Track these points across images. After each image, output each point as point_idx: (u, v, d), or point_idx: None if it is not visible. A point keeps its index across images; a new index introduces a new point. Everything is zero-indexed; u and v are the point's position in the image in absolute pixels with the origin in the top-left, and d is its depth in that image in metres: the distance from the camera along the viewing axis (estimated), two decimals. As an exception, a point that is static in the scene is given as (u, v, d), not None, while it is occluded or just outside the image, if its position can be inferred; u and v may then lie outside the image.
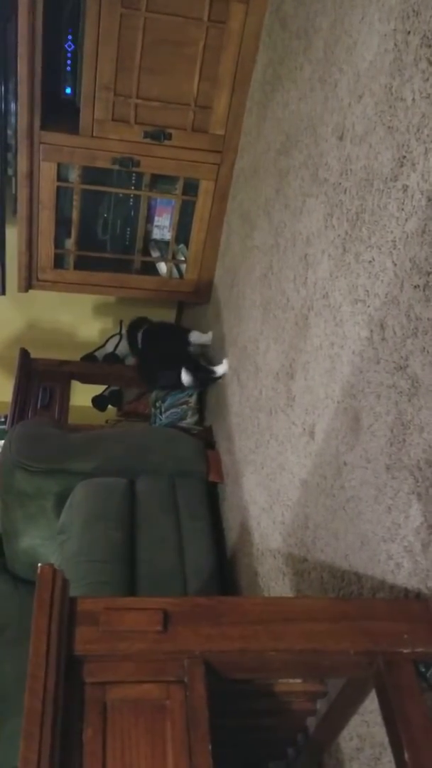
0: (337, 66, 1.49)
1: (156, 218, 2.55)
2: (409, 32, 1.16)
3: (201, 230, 2.49)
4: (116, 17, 2.04)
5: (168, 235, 2.56)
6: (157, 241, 2.61)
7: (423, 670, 0.86)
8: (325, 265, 1.46)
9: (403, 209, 1.13)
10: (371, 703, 1.06)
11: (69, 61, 2.18)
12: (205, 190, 2.41)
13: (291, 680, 0.90)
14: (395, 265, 1.15)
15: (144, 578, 1.67)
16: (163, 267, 2.60)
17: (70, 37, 2.15)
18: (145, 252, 2.60)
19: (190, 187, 2.42)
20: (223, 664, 0.75)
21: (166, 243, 2.58)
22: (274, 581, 1.67)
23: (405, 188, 1.13)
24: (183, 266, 2.59)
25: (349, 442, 1.28)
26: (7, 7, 2.10)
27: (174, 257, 2.58)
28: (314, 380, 1.48)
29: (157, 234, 2.59)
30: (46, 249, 2.42)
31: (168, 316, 3.15)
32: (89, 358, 2.80)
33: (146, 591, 1.63)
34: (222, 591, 1.88)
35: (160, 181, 2.44)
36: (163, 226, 2.57)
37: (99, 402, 2.71)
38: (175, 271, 2.61)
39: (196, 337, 2.46)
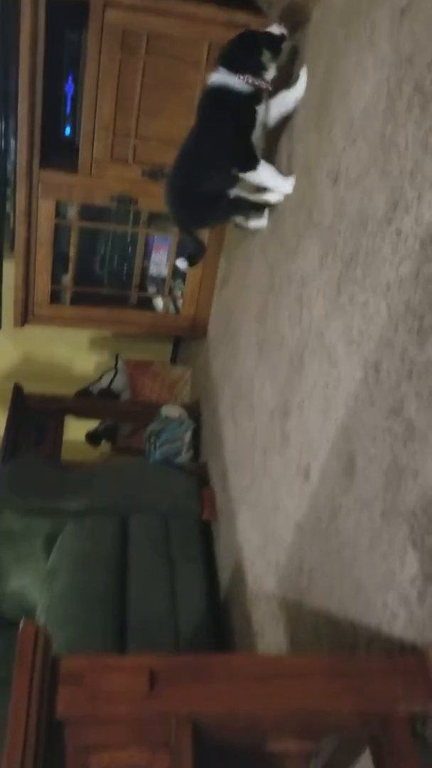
0: (331, 112, 1.51)
1: (153, 254, 2.56)
2: (402, 80, 1.18)
3: (197, 267, 2.50)
4: (116, 60, 2.08)
5: (165, 271, 2.57)
6: (153, 277, 2.62)
7: (418, 728, 0.83)
8: (320, 305, 1.46)
9: (396, 252, 1.13)
10: (366, 762, 1.03)
11: (69, 102, 2.21)
12: (201, 231, 2.42)
13: (283, 740, 0.87)
14: (389, 307, 1.15)
15: (134, 624, 1.63)
16: (159, 302, 2.61)
17: (70, 78, 2.18)
18: (142, 287, 2.61)
19: (188, 225, 2.44)
20: (212, 724, 0.72)
21: (163, 279, 2.58)
22: (268, 626, 1.64)
23: (398, 232, 1.13)
24: (179, 301, 2.59)
25: (344, 485, 1.26)
26: (9, 48, 2.13)
27: (170, 293, 2.58)
28: (309, 420, 1.47)
29: (153, 270, 2.60)
30: (42, 284, 2.43)
31: (164, 349, 3.14)
32: (84, 392, 2.79)
33: (136, 638, 1.59)
34: (215, 636, 1.84)
35: (157, 218, 2.46)
36: (160, 262, 2.58)
37: (93, 438, 2.70)
38: (171, 306, 2.61)
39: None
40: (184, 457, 2.43)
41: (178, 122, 2.24)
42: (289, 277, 1.69)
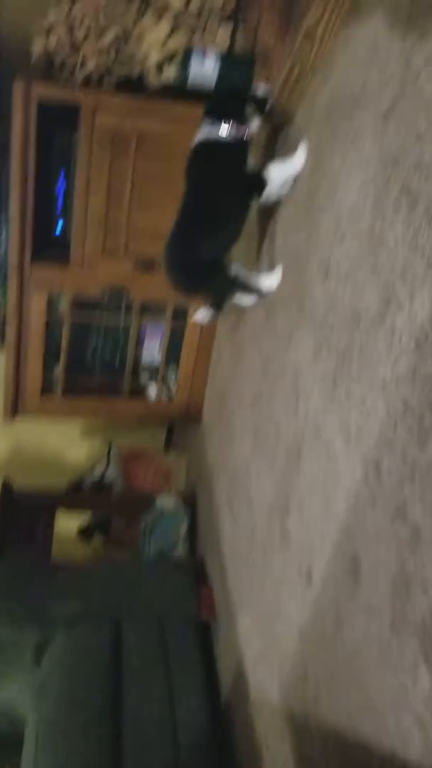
0: (319, 207, 1.53)
1: (146, 342, 2.56)
2: (388, 179, 1.20)
3: (191, 354, 2.50)
4: (107, 160, 2.13)
5: (158, 359, 2.56)
6: (146, 365, 2.61)
7: None
8: (316, 398, 1.44)
9: (391, 350, 1.12)
10: None
11: (60, 200, 2.25)
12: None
13: None
14: (387, 405, 1.12)
15: (131, 738, 1.52)
16: (153, 390, 2.59)
17: (62, 176, 2.23)
18: (135, 375, 2.59)
19: (180, 313, 2.45)
20: None
21: (156, 367, 2.57)
22: (273, 738, 1.53)
23: (392, 329, 1.12)
24: (173, 388, 2.57)
25: (349, 591, 1.20)
26: (1, 148, 2.19)
27: (164, 380, 2.57)
28: (309, 518, 1.42)
29: (146, 358, 2.59)
30: (33, 376, 2.41)
31: (158, 435, 3.10)
32: (76, 485, 2.73)
33: (134, 753, 1.47)
34: (217, 748, 1.72)
35: (149, 308, 2.47)
36: (152, 350, 2.57)
37: (85, 533, 2.61)
38: (165, 393, 2.59)
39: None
40: (180, 550, 2.34)
41: (169, 214, 2.27)
42: (283, 367, 1.67)
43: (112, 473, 2.71)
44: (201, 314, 1.97)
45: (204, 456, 2.45)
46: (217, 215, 1.76)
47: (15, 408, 2.44)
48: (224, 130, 1.71)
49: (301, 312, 1.58)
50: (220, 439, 2.26)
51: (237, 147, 1.73)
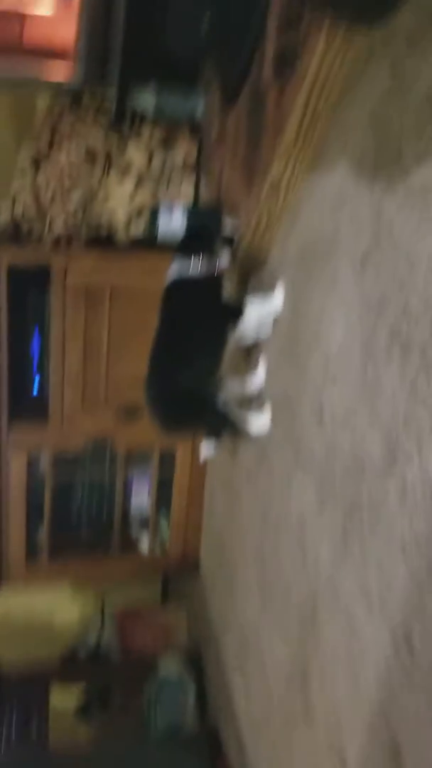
0: (304, 347, 1.49)
1: (134, 492, 2.46)
2: (375, 325, 1.16)
3: (182, 500, 2.39)
4: (81, 315, 2.12)
5: (147, 508, 2.44)
6: (136, 516, 2.49)
7: None
8: (326, 554, 1.33)
9: (405, 506, 1.03)
10: None
11: (36, 359, 2.21)
12: (183, 459, 2.35)
13: None
14: (409, 568, 1.02)
15: None
16: (144, 543, 2.45)
17: (36, 332, 2.20)
18: (125, 529, 2.46)
19: (167, 458, 2.36)
20: None
21: (146, 516, 2.45)
22: None
23: (403, 483, 1.04)
24: (166, 539, 2.44)
25: (395, 786, 1.04)
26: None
27: (155, 531, 2.43)
28: (335, 693, 1.27)
29: (135, 509, 2.48)
30: (17, 543, 2.27)
31: (153, 588, 2.91)
32: (70, 654, 2.51)
33: None
34: None
35: (135, 456, 2.38)
36: (141, 500, 2.46)
37: (84, 712, 2.36)
38: (158, 544, 2.45)
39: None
40: (190, 720, 2.12)
41: (146, 361, 2.25)
42: (286, 516, 1.57)
43: (108, 638, 2.50)
44: (205, 449, 1.86)
45: (206, 609, 2.28)
46: (192, 344, 1.71)
47: (-1, 579, 2.29)
48: (195, 265, 1.69)
49: (298, 456, 1.50)
50: (222, 592, 2.11)
51: (209, 280, 1.71)
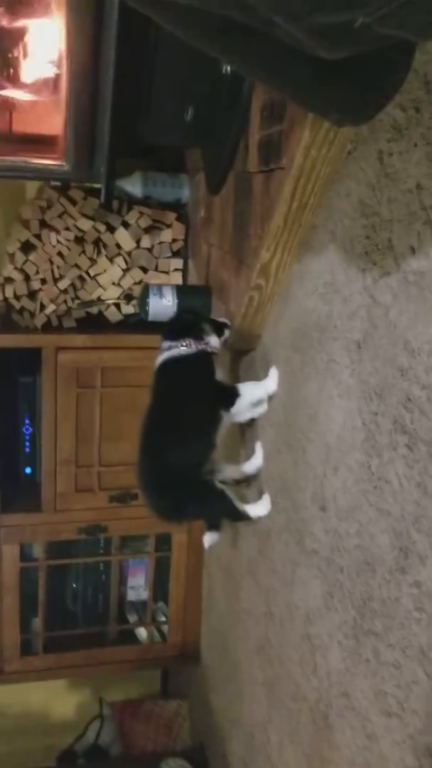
0: (302, 433, 1.45)
1: (130, 579, 2.38)
2: (376, 413, 1.13)
3: (179, 586, 2.31)
4: (73, 396, 2.09)
5: (144, 595, 2.36)
6: (133, 603, 2.40)
7: None
8: (336, 654, 1.26)
9: (422, 609, 0.97)
10: None
11: (27, 442, 2.17)
12: (179, 542, 2.28)
13: None
14: (429, 673, 0.96)
15: None
16: (142, 632, 2.35)
17: (27, 420, 2.17)
18: (121, 617, 2.37)
19: (163, 542, 2.30)
20: None
21: (144, 603, 2.36)
22: None
23: (417, 584, 0.98)
24: (165, 627, 2.34)
25: None
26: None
27: (153, 619, 2.34)
28: (354, 808, 1.18)
29: (132, 595, 2.39)
30: (11, 636, 2.17)
31: (153, 678, 2.79)
32: (68, 754, 2.37)
33: None
34: None
35: (130, 541, 2.31)
36: (138, 587, 2.38)
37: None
38: (156, 633, 2.35)
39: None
40: None
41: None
42: (290, 611, 1.50)
43: (107, 734, 2.37)
44: (208, 538, 1.75)
45: (209, 704, 2.16)
46: (184, 426, 1.65)
47: (-9, 677, 2.17)
48: (183, 348, 1.66)
49: (300, 548, 1.44)
50: (225, 687, 2.01)
51: (199, 358, 1.68)
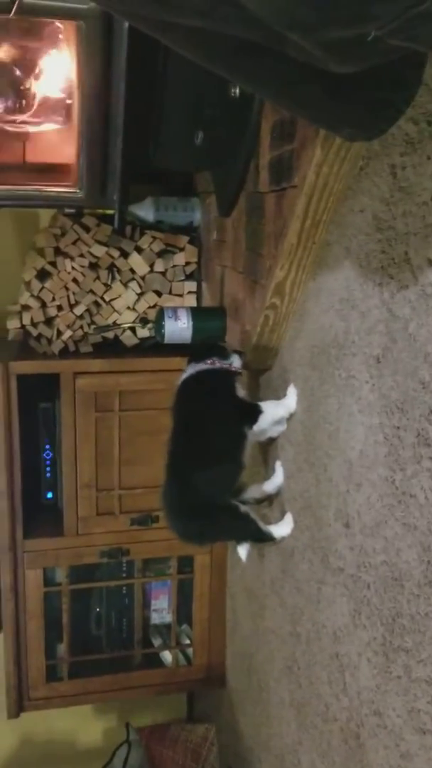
0: (323, 450, 1.45)
1: (153, 602, 2.36)
2: (398, 427, 1.12)
3: (203, 608, 2.29)
4: (92, 421, 2.09)
5: (168, 618, 2.34)
6: (157, 626, 2.38)
7: None
8: (366, 672, 1.24)
9: (453, 624, 0.96)
10: None
11: (48, 468, 2.18)
12: (201, 564, 2.27)
13: None
14: (463, 690, 0.94)
15: None
16: (167, 655, 2.33)
17: (47, 446, 2.18)
18: (146, 641, 2.35)
19: (185, 564, 2.29)
20: None
21: (167, 626, 2.35)
22: None
23: (448, 598, 0.97)
24: (189, 650, 2.32)
25: None
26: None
27: (178, 642, 2.32)
28: None
29: (156, 618, 2.37)
30: (36, 663, 2.16)
31: (179, 702, 2.76)
32: (95, 783, 2.35)
33: None
34: None
35: (152, 564, 2.31)
36: (161, 609, 2.37)
37: None
38: (181, 657, 2.33)
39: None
40: None
41: (159, 465, 2.20)
42: (317, 630, 1.48)
43: (135, 760, 2.34)
44: (242, 552, 1.74)
45: (237, 727, 2.14)
46: (209, 446, 1.63)
47: (20, 704, 2.16)
48: (206, 366, 1.67)
49: (325, 566, 1.43)
50: (253, 710, 1.98)
51: (222, 374, 1.68)
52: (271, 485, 1.73)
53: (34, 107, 1.89)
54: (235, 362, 1.70)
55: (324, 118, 1.02)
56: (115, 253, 2.15)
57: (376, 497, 1.20)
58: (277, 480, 1.71)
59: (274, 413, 1.64)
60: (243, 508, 1.63)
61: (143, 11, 0.77)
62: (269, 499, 1.78)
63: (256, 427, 1.63)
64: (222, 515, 1.64)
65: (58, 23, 1.68)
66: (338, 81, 0.81)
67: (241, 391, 1.68)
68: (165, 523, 1.69)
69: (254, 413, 1.64)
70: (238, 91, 1.61)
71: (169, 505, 1.65)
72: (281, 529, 1.64)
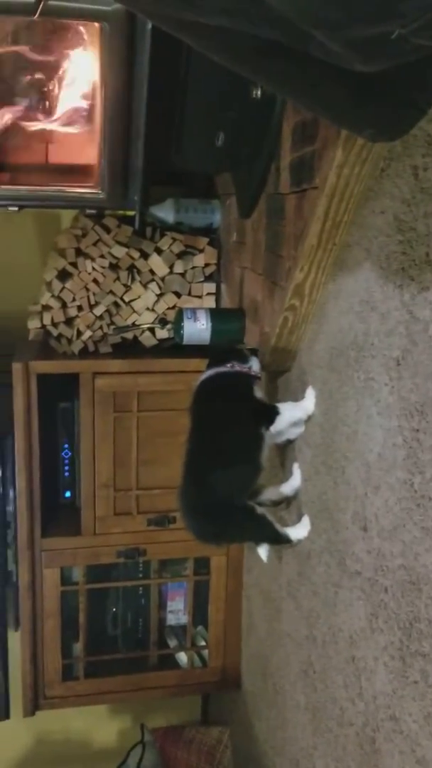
0: (341, 453, 1.44)
1: (169, 603, 2.37)
2: (418, 430, 1.11)
3: (219, 610, 2.29)
4: (110, 421, 2.10)
5: (184, 619, 2.34)
6: (173, 627, 2.39)
7: None
8: (383, 677, 1.23)
9: (472, 629, 0.95)
10: None
11: (66, 467, 2.19)
12: (217, 566, 2.27)
13: None
14: None
15: None
16: (183, 657, 2.34)
17: (66, 445, 2.19)
18: (161, 642, 2.35)
19: (202, 565, 2.29)
20: None
21: (183, 627, 2.35)
22: None
23: (467, 603, 0.96)
24: (205, 652, 2.32)
25: None
26: (4, 423, 2.16)
27: (193, 643, 2.32)
28: None
29: (172, 619, 2.38)
30: (52, 661, 2.17)
31: (193, 703, 2.76)
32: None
33: None
34: None
35: (168, 564, 2.31)
36: (177, 611, 2.37)
37: None
38: (196, 658, 2.33)
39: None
40: None
41: (177, 466, 2.20)
42: (333, 634, 1.47)
43: (149, 761, 2.34)
44: (263, 552, 1.73)
45: (251, 730, 2.13)
46: (227, 447, 1.63)
47: (35, 702, 2.18)
48: (225, 369, 1.67)
49: (342, 569, 1.42)
50: (267, 713, 1.97)
51: (240, 376, 1.68)
52: (288, 487, 1.73)
53: (57, 108, 1.90)
54: (254, 366, 1.70)
55: (346, 118, 1.02)
56: (136, 254, 2.16)
57: (394, 500, 1.19)
58: (294, 482, 1.71)
59: (291, 415, 1.64)
60: (260, 509, 1.63)
61: (168, 10, 0.77)
62: (286, 502, 1.77)
63: (273, 429, 1.63)
64: (239, 516, 1.64)
65: (81, 27, 1.70)
66: (361, 81, 0.81)
67: (259, 393, 1.69)
68: (182, 523, 1.69)
69: (272, 414, 1.64)
70: (259, 92, 1.61)
71: (186, 505, 1.66)
72: (298, 531, 1.63)
